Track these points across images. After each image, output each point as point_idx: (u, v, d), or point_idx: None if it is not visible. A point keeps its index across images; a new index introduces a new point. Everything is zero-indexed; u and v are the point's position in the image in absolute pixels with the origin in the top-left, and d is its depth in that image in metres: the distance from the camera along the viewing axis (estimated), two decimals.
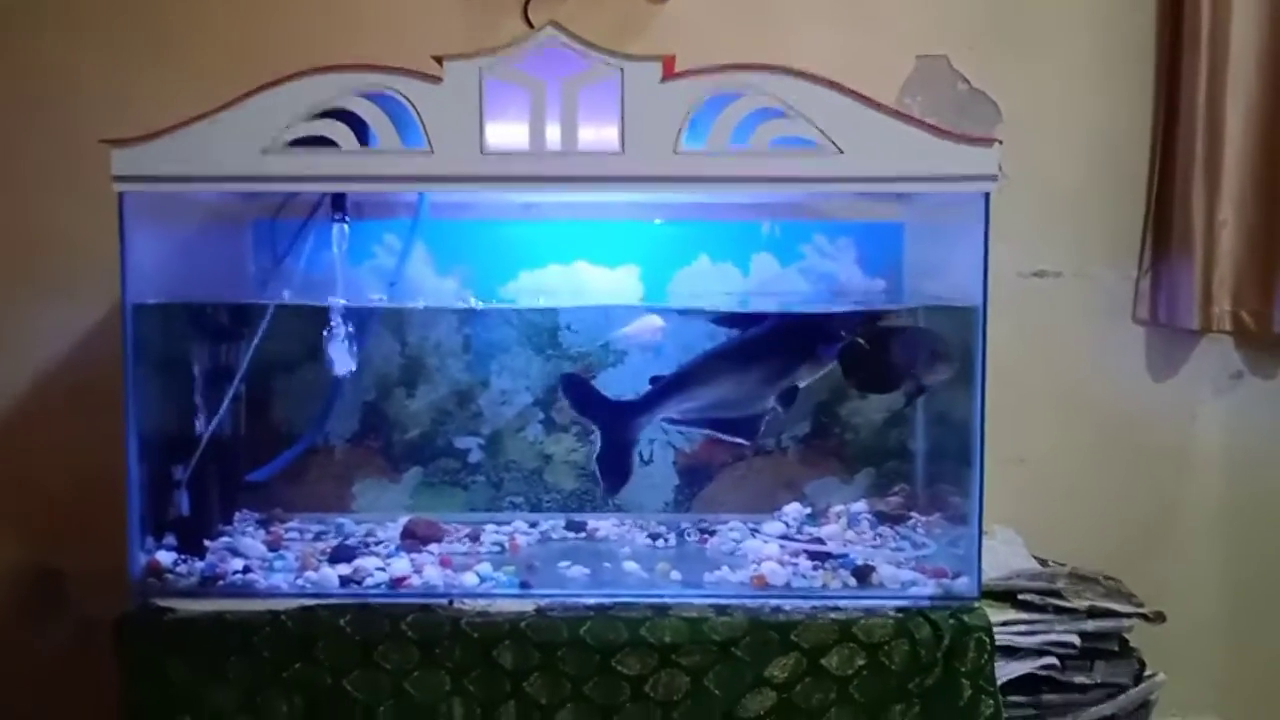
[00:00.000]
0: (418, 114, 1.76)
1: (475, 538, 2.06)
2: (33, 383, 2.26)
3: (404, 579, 1.85)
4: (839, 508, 2.16)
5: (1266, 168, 2.18)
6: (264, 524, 2.11)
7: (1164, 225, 2.24)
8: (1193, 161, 2.17)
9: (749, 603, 1.80)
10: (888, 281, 2.16)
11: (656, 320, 2.09)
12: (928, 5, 2.24)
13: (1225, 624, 2.32)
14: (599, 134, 1.77)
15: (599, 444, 2.10)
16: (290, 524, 2.11)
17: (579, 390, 2.15)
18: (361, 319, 2.07)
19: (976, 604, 1.81)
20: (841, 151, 1.76)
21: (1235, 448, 2.31)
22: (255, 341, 2.00)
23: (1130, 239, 2.27)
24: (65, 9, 2.23)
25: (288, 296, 2.04)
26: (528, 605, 1.79)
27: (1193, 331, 2.23)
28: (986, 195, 1.78)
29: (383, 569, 1.88)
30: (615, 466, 2.11)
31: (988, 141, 1.78)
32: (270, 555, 1.94)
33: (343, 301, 2.01)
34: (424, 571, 1.88)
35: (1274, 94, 2.16)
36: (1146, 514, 2.31)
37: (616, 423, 2.09)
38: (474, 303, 2.13)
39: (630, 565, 1.94)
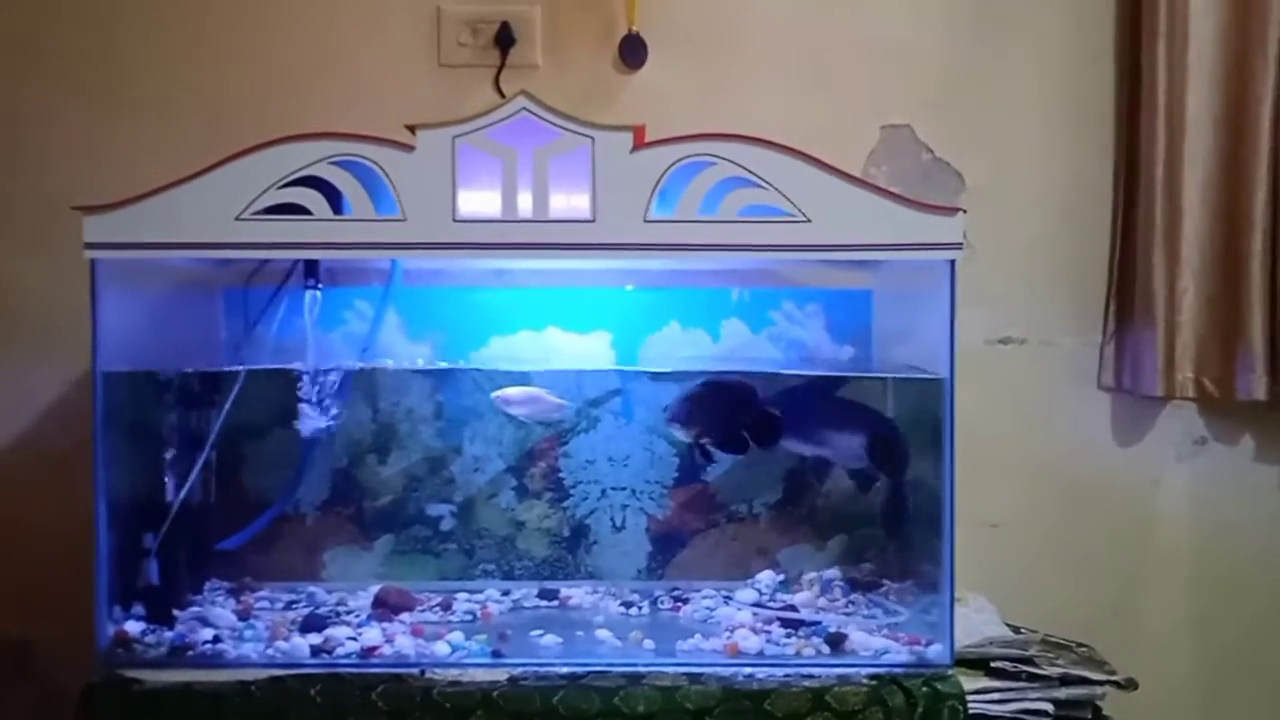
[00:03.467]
0: (390, 181, 1.78)
1: (447, 606, 2.04)
2: (1, 449, 2.24)
3: (375, 648, 1.84)
4: (811, 574, 2.15)
5: (1224, 237, 2.21)
6: (234, 593, 2.08)
7: (1126, 293, 2.27)
8: (1153, 231, 2.20)
9: (723, 671, 1.79)
10: (856, 348, 2.18)
11: (546, 397, 2.08)
12: (891, 76, 2.27)
13: (1196, 689, 2.32)
14: (570, 201, 1.79)
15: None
16: (261, 593, 2.09)
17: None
18: (340, 383, 2.07)
19: (950, 671, 1.80)
20: (809, 220, 1.79)
21: (1200, 513, 2.32)
22: (226, 408, 2.00)
23: (1094, 306, 2.30)
24: (39, 71, 2.24)
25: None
26: (500, 674, 1.77)
27: (1157, 398, 2.26)
28: (952, 263, 1.80)
29: (354, 638, 1.86)
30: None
31: (952, 210, 1.81)
32: (240, 625, 1.92)
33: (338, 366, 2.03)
34: (395, 641, 1.86)
35: (1230, 165, 2.20)
36: (1115, 579, 2.32)
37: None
38: (421, 362, 2.13)
39: (603, 634, 1.93)
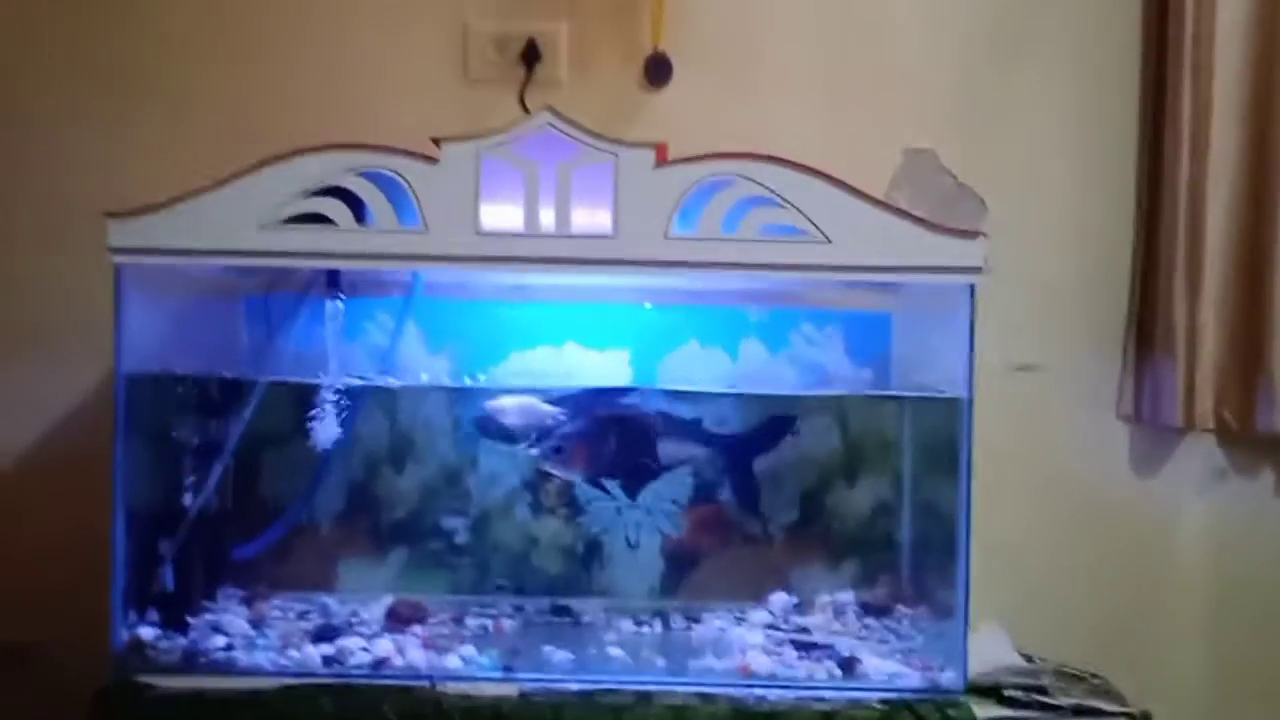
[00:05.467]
0: (414, 194, 1.79)
1: (459, 620, 2.04)
2: (15, 453, 2.25)
3: (387, 660, 1.84)
4: (825, 598, 2.15)
5: (1246, 269, 2.20)
6: (248, 601, 2.09)
7: (1147, 324, 2.26)
8: (1174, 263, 2.20)
9: (734, 692, 1.78)
10: (875, 371, 2.18)
11: (539, 406, 2.06)
12: (915, 99, 2.28)
13: None
14: (592, 217, 1.79)
15: None
16: (274, 601, 2.09)
17: None
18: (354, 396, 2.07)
19: (962, 698, 1.80)
20: (829, 240, 1.79)
21: (1219, 546, 2.31)
22: (246, 416, 2.00)
23: (1114, 334, 2.29)
24: (58, 71, 2.25)
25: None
26: (511, 689, 1.77)
27: (1176, 429, 2.25)
28: (972, 287, 1.80)
29: (366, 649, 1.86)
30: None
31: (973, 234, 1.81)
32: (253, 633, 1.92)
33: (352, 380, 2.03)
34: (407, 653, 1.86)
35: (1253, 196, 2.20)
36: (1132, 611, 2.30)
37: None
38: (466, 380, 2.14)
39: (615, 651, 1.92)
